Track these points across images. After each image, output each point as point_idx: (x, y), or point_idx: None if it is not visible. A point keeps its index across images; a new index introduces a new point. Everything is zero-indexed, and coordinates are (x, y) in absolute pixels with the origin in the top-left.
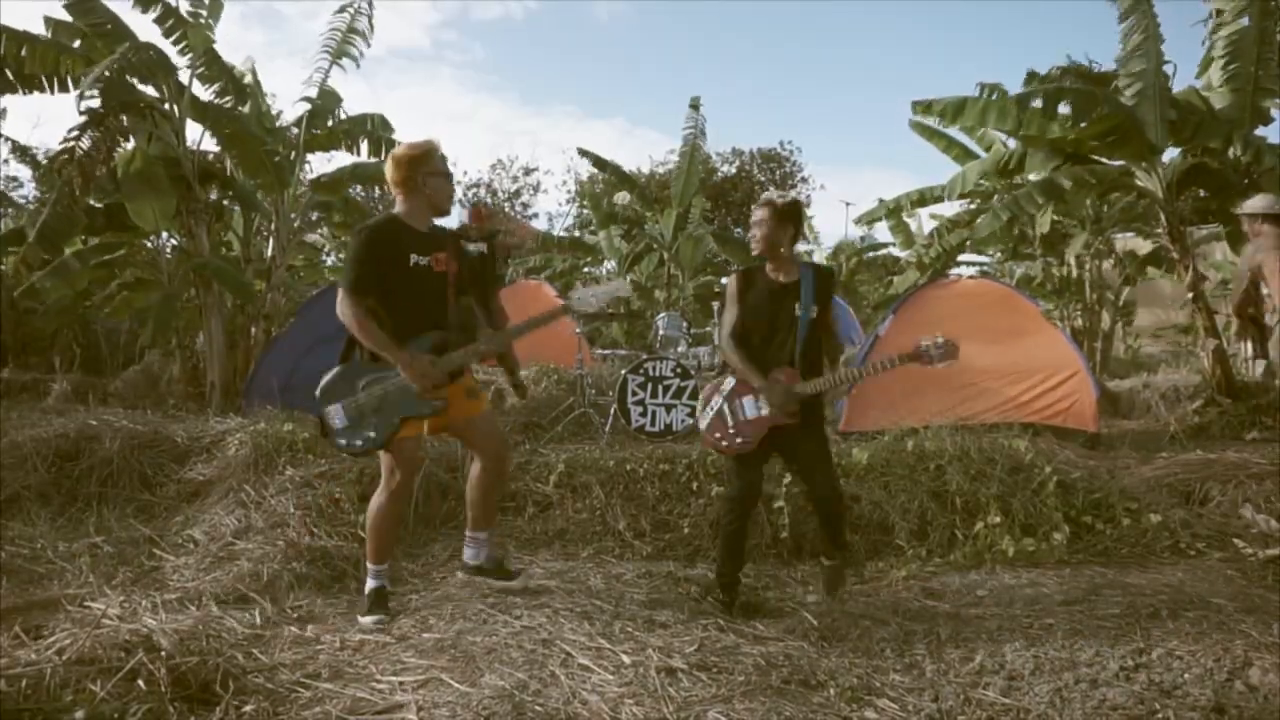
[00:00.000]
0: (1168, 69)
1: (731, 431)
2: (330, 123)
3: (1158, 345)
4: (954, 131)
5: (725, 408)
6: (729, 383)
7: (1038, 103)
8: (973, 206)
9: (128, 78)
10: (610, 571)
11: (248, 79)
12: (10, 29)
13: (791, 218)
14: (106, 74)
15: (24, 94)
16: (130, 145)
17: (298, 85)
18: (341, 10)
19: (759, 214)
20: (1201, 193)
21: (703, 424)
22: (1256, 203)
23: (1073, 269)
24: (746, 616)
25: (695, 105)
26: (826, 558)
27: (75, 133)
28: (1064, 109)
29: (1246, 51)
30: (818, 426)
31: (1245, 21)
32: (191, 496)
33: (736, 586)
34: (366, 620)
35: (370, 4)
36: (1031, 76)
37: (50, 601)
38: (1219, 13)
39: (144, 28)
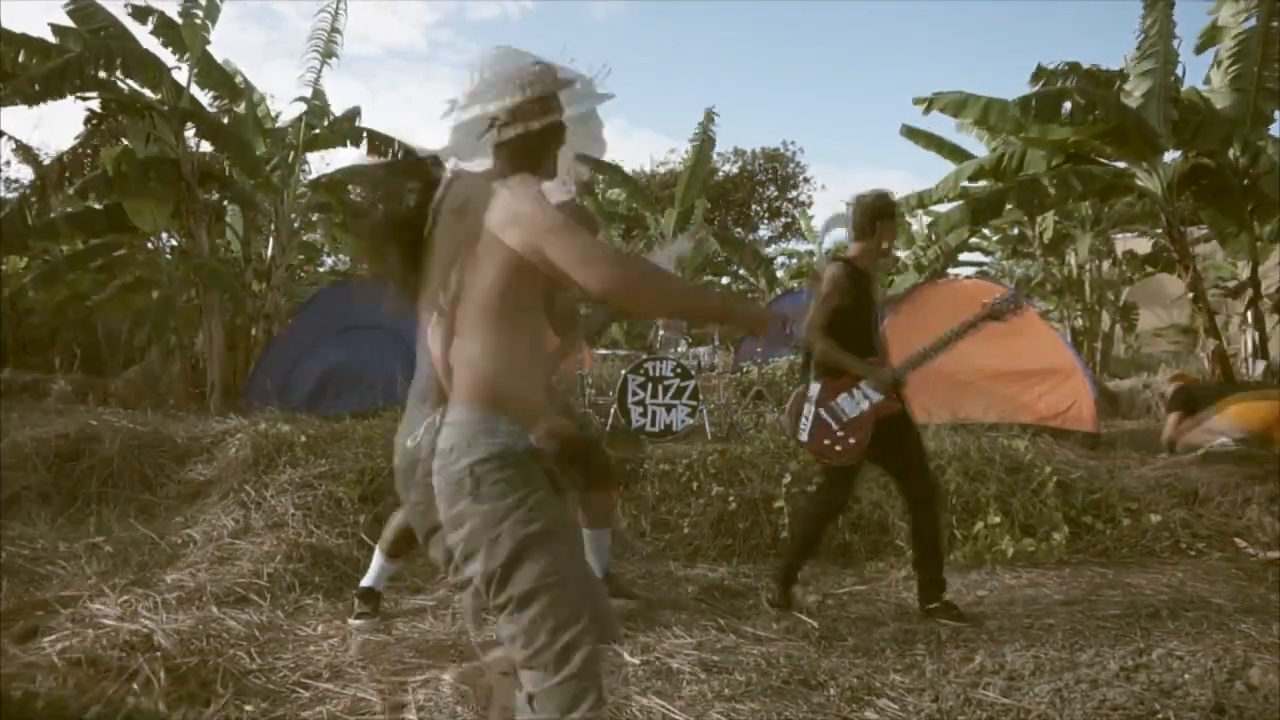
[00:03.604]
0: (1178, 70)
1: (841, 434)
2: (326, 121)
3: (1157, 345)
4: (950, 135)
5: (823, 413)
6: (814, 389)
7: (1015, 111)
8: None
9: (117, 77)
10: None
11: (240, 80)
12: (9, 32)
13: None
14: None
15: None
16: (122, 146)
17: (296, 85)
18: (321, 10)
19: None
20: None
21: (804, 437)
22: None
23: (1073, 269)
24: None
25: (710, 118)
26: (921, 570)
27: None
28: (1066, 109)
29: (1251, 52)
30: (913, 423)
31: (1252, 23)
32: (192, 497)
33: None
34: None
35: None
36: (1040, 72)
37: (50, 602)
38: (1215, 25)
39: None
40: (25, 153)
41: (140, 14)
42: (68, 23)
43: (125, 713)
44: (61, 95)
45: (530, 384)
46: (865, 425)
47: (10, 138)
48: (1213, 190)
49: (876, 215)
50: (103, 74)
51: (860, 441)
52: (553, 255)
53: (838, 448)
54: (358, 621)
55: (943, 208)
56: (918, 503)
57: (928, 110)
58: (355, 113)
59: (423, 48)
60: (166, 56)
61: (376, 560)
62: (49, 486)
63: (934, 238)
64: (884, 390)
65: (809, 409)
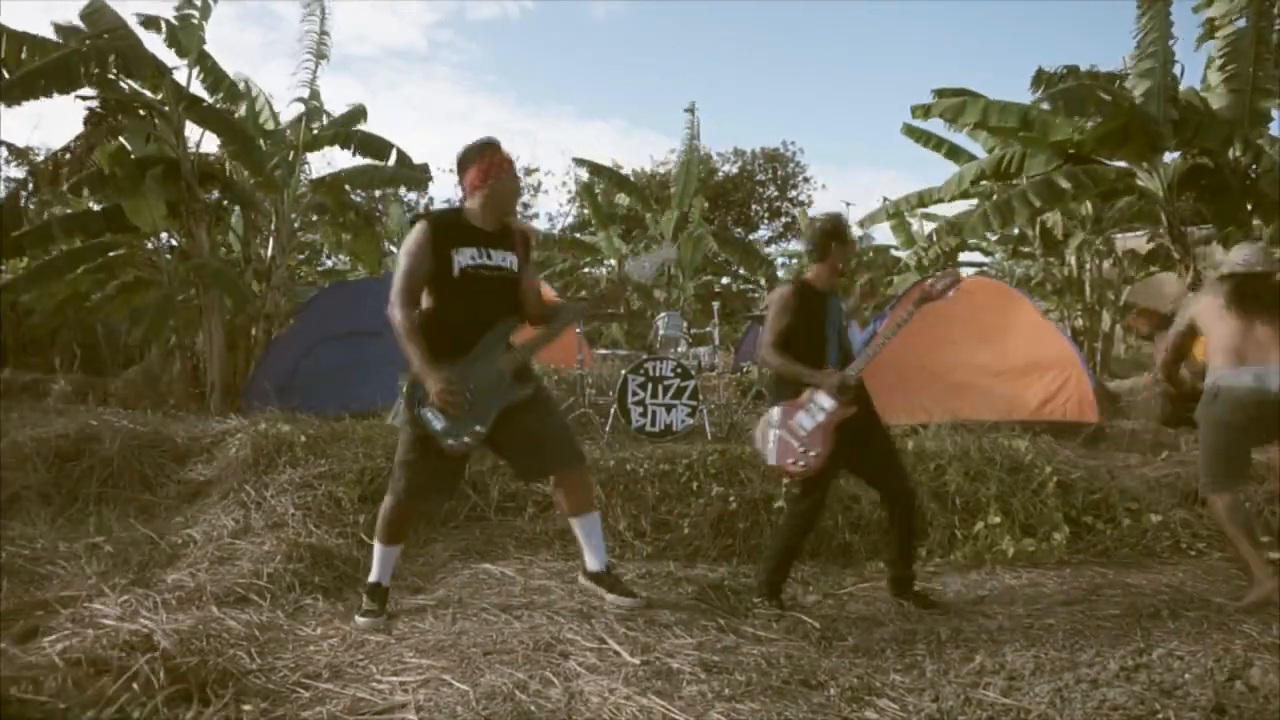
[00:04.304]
0: (1176, 70)
1: (801, 449)
2: (324, 121)
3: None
4: (950, 134)
5: (784, 434)
6: (775, 412)
7: (1045, 105)
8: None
9: (112, 75)
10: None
11: (241, 85)
12: (10, 29)
13: None
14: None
15: (29, 100)
16: (119, 144)
17: (292, 86)
18: (309, 13)
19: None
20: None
21: (771, 459)
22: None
23: (1073, 269)
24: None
25: (691, 110)
26: (894, 567)
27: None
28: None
29: (1244, 53)
30: (880, 424)
31: (1242, 23)
32: (192, 497)
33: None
34: None
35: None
36: (1040, 75)
37: (50, 602)
38: (1212, 21)
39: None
40: (20, 154)
41: (151, 23)
42: (74, 22)
43: (125, 713)
44: (58, 92)
45: None
46: (824, 436)
47: (3, 142)
48: (1212, 189)
49: (831, 238)
50: (101, 71)
51: (820, 453)
52: None
53: (800, 464)
54: (364, 620)
55: (947, 209)
56: (893, 504)
57: (926, 116)
58: (361, 112)
59: (422, 48)
60: (168, 57)
61: (376, 551)
62: (49, 486)
63: (934, 238)
64: (833, 394)
65: (773, 433)
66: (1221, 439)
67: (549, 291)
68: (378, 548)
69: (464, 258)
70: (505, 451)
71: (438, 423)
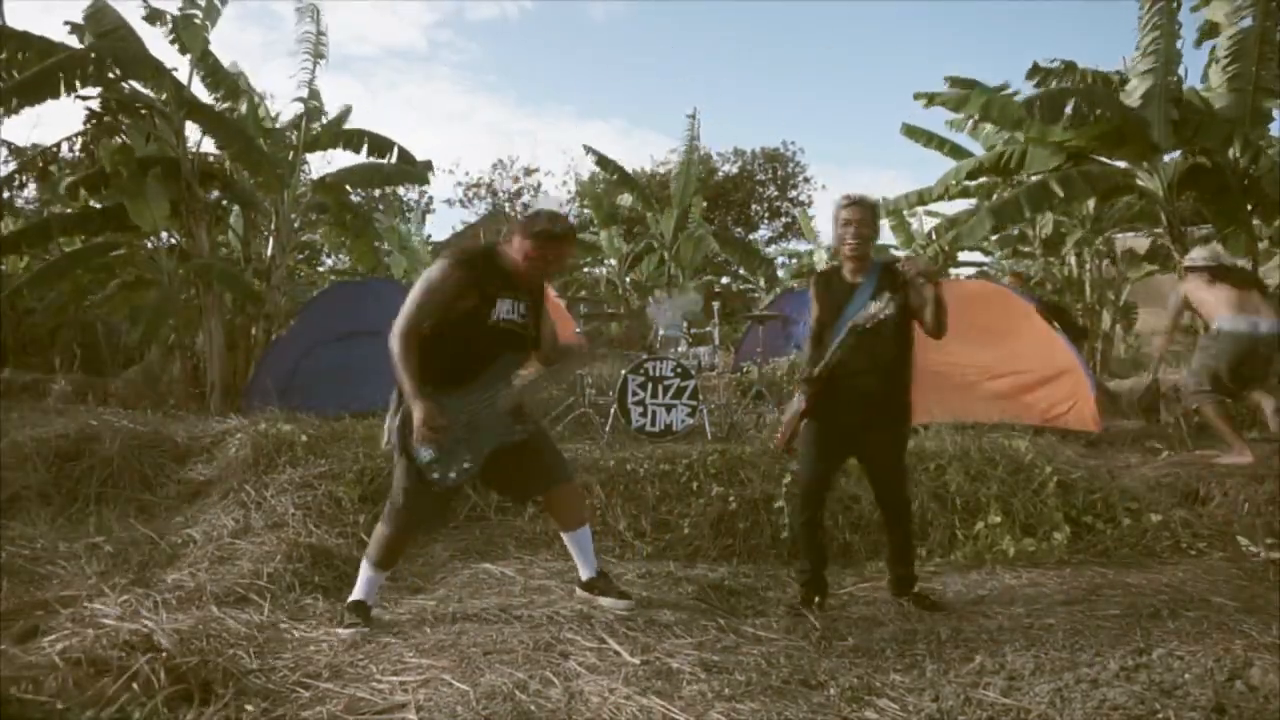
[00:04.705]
0: (1180, 70)
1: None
2: (323, 121)
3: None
4: (950, 135)
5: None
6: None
7: (1019, 99)
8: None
9: (111, 76)
10: (610, 572)
11: (242, 84)
12: (11, 29)
13: (879, 216)
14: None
15: (29, 105)
16: (120, 143)
17: (291, 86)
18: (304, 14)
19: (857, 213)
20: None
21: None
22: (1195, 255)
23: (1073, 269)
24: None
25: (692, 116)
26: (891, 567)
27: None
28: (1068, 110)
29: (1248, 52)
30: (895, 431)
31: (1248, 22)
32: (192, 496)
33: (823, 584)
34: None
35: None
36: (1035, 69)
37: (50, 602)
38: (1213, 22)
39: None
40: (19, 154)
41: (154, 18)
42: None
43: (125, 713)
44: (55, 96)
45: None
46: (788, 424)
47: (3, 142)
48: (1212, 190)
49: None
50: (99, 74)
51: (784, 434)
52: None
53: (778, 437)
54: (347, 631)
55: (947, 207)
56: (885, 513)
57: (930, 104)
58: (346, 113)
59: (422, 48)
60: (168, 57)
61: (365, 572)
62: (49, 486)
63: (933, 236)
64: (799, 388)
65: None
66: (1217, 366)
67: (549, 291)
68: (368, 570)
69: (500, 309)
70: (494, 483)
71: (426, 454)
